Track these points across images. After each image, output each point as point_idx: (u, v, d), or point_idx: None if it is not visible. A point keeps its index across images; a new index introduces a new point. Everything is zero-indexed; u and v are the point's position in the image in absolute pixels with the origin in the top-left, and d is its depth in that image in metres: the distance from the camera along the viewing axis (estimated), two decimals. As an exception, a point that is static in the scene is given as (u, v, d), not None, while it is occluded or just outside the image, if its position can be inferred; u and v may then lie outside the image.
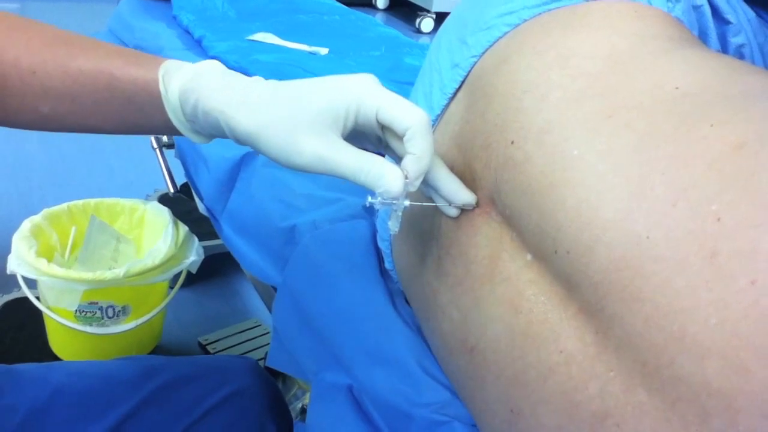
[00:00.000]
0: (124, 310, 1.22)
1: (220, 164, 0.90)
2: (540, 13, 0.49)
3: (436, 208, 0.50)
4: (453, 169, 0.49)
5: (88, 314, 1.19)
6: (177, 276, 1.23)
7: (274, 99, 0.45)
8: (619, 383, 0.35)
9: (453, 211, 0.49)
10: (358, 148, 0.45)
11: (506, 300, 0.44)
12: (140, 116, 0.52)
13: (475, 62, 0.52)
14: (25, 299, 1.20)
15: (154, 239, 1.28)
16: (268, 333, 1.50)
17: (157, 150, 1.22)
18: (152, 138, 1.26)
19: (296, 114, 0.44)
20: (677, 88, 0.40)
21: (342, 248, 0.70)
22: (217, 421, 0.74)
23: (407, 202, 0.45)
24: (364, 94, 0.44)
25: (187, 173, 1.03)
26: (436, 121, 0.55)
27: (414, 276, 0.57)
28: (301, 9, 1.48)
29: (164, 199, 1.75)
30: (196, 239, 1.26)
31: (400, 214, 0.46)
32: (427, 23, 4.22)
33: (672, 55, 0.43)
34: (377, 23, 1.49)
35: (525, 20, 0.49)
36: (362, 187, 0.45)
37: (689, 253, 0.32)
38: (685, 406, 0.32)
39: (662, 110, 0.39)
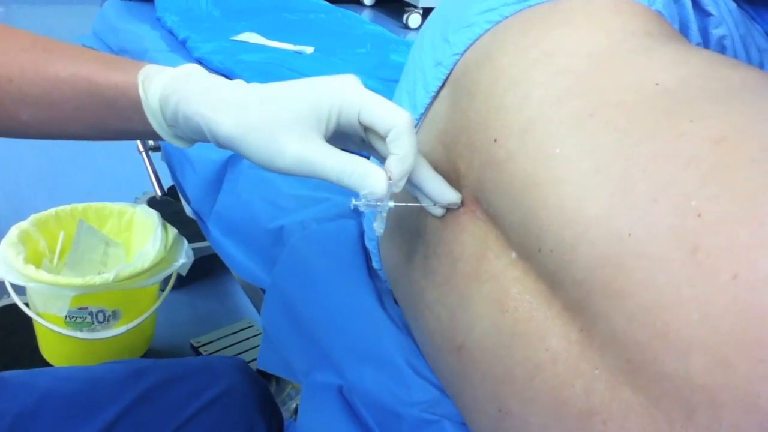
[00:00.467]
0: (115, 315, 1.21)
1: (206, 166, 0.90)
2: (521, 10, 0.49)
3: (422, 208, 0.50)
4: (437, 168, 0.49)
5: (78, 319, 1.19)
6: (167, 279, 1.23)
7: (255, 102, 0.45)
8: (604, 381, 0.35)
9: (438, 211, 0.49)
10: (342, 149, 0.44)
11: (492, 298, 0.44)
12: (121, 122, 0.51)
13: (458, 60, 0.51)
14: (15, 306, 1.19)
15: (143, 242, 1.27)
16: (260, 334, 1.50)
17: (144, 153, 1.21)
18: (138, 141, 1.26)
19: (278, 116, 0.44)
20: (657, 84, 0.40)
21: (330, 248, 0.69)
22: (207, 421, 0.74)
23: (392, 204, 0.44)
24: (346, 94, 0.44)
25: (174, 176, 1.03)
26: (420, 120, 0.55)
27: (401, 275, 0.57)
28: (287, 8, 1.47)
29: (153, 202, 1.74)
30: (185, 241, 1.26)
31: (384, 215, 0.46)
32: (414, 19, 4.22)
33: (652, 51, 0.43)
34: (363, 21, 1.48)
35: (506, 17, 0.49)
36: (347, 189, 0.44)
37: (671, 249, 0.32)
38: (670, 403, 0.32)
39: (643, 107, 0.39)
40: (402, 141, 0.43)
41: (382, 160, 0.46)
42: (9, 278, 1.14)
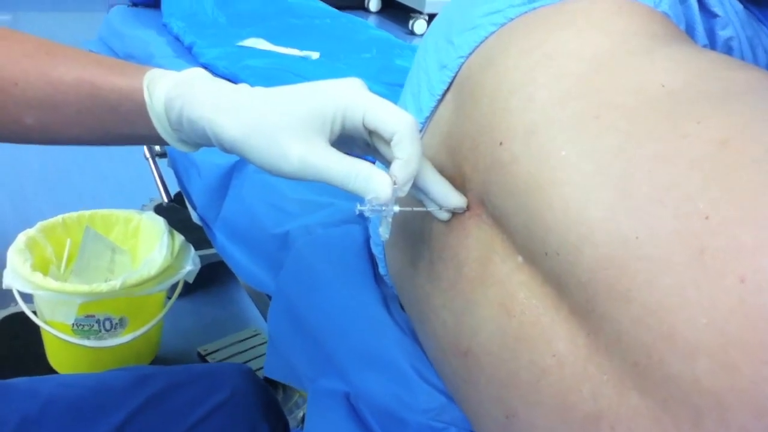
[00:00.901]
0: (122, 322, 1.21)
1: (212, 171, 0.89)
2: (525, 12, 0.49)
3: (427, 212, 0.50)
4: (442, 171, 0.49)
5: (85, 327, 1.19)
6: (174, 286, 1.23)
7: (260, 105, 0.45)
8: (611, 385, 0.35)
9: (444, 215, 0.49)
10: (347, 153, 0.44)
11: (498, 303, 0.44)
12: (125, 126, 0.51)
13: (463, 63, 0.51)
14: (22, 314, 1.20)
15: (149, 249, 1.27)
16: (267, 342, 1.49)
17: (150, 160, 1.21)
18: (145, 148, 1.26)
19: (282, 120, 0.43)
20: (663, 86, 0.39)
21: (336, 254, 0.69)
22: (211, 427, 0.74)
23: (397, 208, 0.44)
24: (350, 98, 0.44)
25: (180, 182, 1.03)
26: (425, 123, 0.55)
27: (407, 280, 0.57)
28: (292, 13, 1.48)
29: (159, 209, 1.74)
30: (192, 248, 1.26)
31: (390, 220, 0.45)
32: (420, 25, 4.23)
33: (656, 53, 0.43)
34: (368, 26, 1.48)
35: (511, 19, 0.49)
36: (352, 194, 0.44)
37: (676, 252, 0.32)
38: (677, 406, 0.31)
39: (646, 109, 0.38)
40: (406, 144, 0.42)
41: (387, 164, 0.46)
42: (16, 286, 1.14)
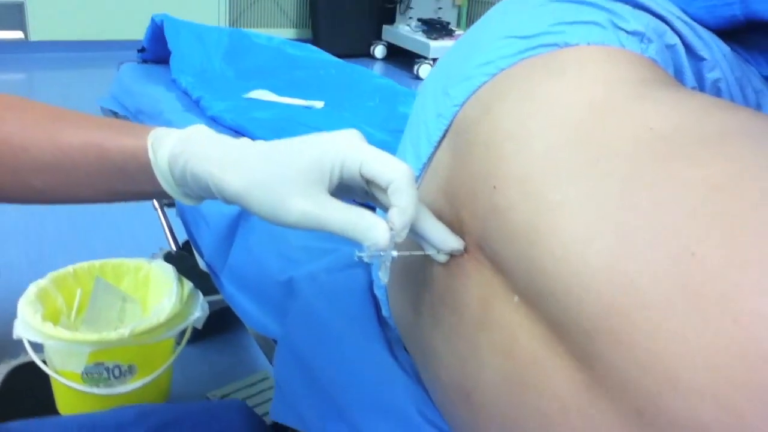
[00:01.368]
0: (131, 370, 1.22)
1: (219, 221, 0.91)
2: (517, 62, 0.50)
3: (427, 256, 0.51)
4: (441, 217, 0.50)
5: (95, 375, 1.19)
6: (183, 332, 1.23)
7: (260, 159, 0.46)
8: (613, 426, 0.35)
9: (442, 258, 0.50)
10: (348, 200, 0.46)
11: (499, 345, 0.44)
12: (131, 184, 0.53)
13: (458, 111, 0.53)
14: (32, 364, 1.20)
15: (159, 297, 1.28)
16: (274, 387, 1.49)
17: (159, 210, 1.23)
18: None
19: (282, 172, 0.45)
20: (652, 128, 0.40)
21: (340, 298, 0.70)
22: None
23: (395, 253, 0.45)
24: (347, 150, 0.45)
25: (188, 231, 1.04)
26: (423, 169, 0.56)
27: (410, 324, 0.58)
28: (298, 66, 1.51)
29: (169, 257, 1.76)
30: (200, 295, 1.27)
31: (388, 264, 0.46)
32: (425, 69, 4.30)
33: (646, 98, 0.44)
34: (372, 74, 1.52)
35: (503, 69, 0.51)
36: (352, 241, 0.45)
37: (675, 297, 0.32)
38: None
39: (641, 154, 0.39)
40: (402, 193, 0.44)
41: (386, 210, 0.47)
42: (27, 336, 1.15)
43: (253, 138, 0.78)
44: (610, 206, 0.38)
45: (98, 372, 1.19)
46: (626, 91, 0.45)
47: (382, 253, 0.45)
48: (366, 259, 0.45)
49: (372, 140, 0.47)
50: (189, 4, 4.32)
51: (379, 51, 4.78)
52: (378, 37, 4.79)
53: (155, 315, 1.16)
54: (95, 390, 1.18)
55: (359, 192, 0.49)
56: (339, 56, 1.64)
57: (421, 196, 0.51)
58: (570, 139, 0.43)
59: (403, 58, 4.63)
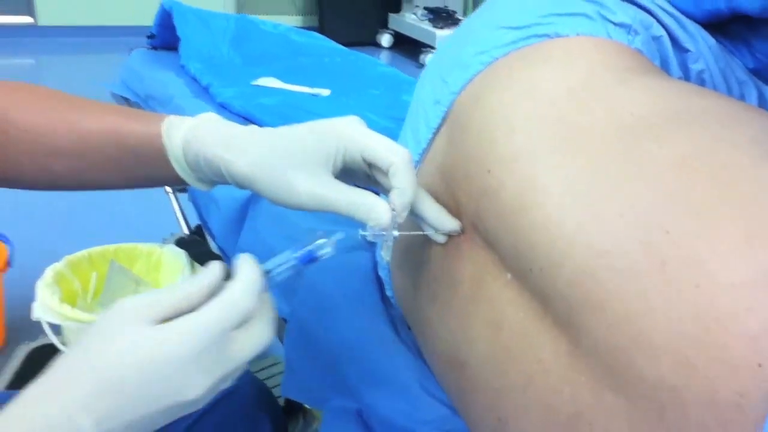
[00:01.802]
0: (145, 351, 1.25)
1: (229, 205, 0.94)
2: (510, 51, 0.54)
3: (426, 236, 0.54)
4: (439, 198, 0.53)
5: (111, 356, 1.23)
6: (194, 315, 1.26)
7: (269, 144, 0.50)
8: (589, 387, 0.39)
9: (440, 238, 0.53)
10: (350, 184, 0.49)
11: (490, 318, 0.48)
12: (146, 169, 0.56)
13: (454, 98, 0.56)
14: (51, 345, 1.24)
15: (171, 281, 1.32)
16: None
17: (171, 194, 1.27)
18: (165, 184, 1.32)
19: (290, 156, 0.48)
20: (632, 113, 0.44)
21: (346, 280, 0.73)
22: (216, 417, 0.78)
23: (396, 233, 0.49)
24: (349, 135, 0.49)
25: (200, 215, 1.08)
26: (422, 154, 0.60)
27: (410, 301, 0.61)
28: (303, 53, 1.54)
29: (180, 242, 1.79)
30: (211, 278, 1.30)
31: (390, 244, 0.50)
32: (431, 59, 4.30)
33: (628, 83, 0.47)
34: (377, 63, 1.54)
35: (496, 58, 0.54)
36: (356, 221, 0.49)
37: (641, 263, 0.36)
38: (645, 403, 0.35)
39: (616, 134, 0.43)
40: (401, 176, 0.47)
41: (387, 193, 0.50)
42: (46, 317, 1.18)
43: (260, 124, 0.81)
44: (585, 182, 0.41)
45: (113, 352, 1.22)
46: (609, 77, 0.48)
47: (384, 233, 0.48)
48: (369, 238, 0.48)
49: (376, 127, 0.50)
50: (196, -10, 4.34)
51: (385, 39, 4.79)
52: (384, 25, 4.79)
53: (168, 297, 1.19)
54: (111, 369, 1.22)
55: (361, 176, 0.52)
56: (345, 44, 1.66)
57: (420, 180, 0.55)
58: (555, 123, 0.46)
59: (409, 47, 4.63)
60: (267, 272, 0.47)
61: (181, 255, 1.32)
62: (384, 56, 4.66)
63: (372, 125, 0.51)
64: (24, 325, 1.57)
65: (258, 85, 1.28)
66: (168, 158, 0.54)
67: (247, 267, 0.44)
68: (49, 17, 4.00)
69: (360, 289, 0.72)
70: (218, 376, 0.41)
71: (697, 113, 0.43)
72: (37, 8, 3.96)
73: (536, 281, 0.43)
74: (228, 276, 0.44)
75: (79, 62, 3.88)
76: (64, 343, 1.23)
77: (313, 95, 1.26)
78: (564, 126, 0.45)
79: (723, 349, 0.32)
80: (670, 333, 0.34)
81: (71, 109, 0.57)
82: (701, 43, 0.58)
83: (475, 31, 0.59)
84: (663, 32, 0.56)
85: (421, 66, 4.30)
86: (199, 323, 0.40)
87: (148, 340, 0.40)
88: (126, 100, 1.42)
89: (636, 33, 0.53)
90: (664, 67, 0.56)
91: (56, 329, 1.20)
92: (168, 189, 1.27)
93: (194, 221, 1.25)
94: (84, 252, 1.37)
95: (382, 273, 0.69)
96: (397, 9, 4.77)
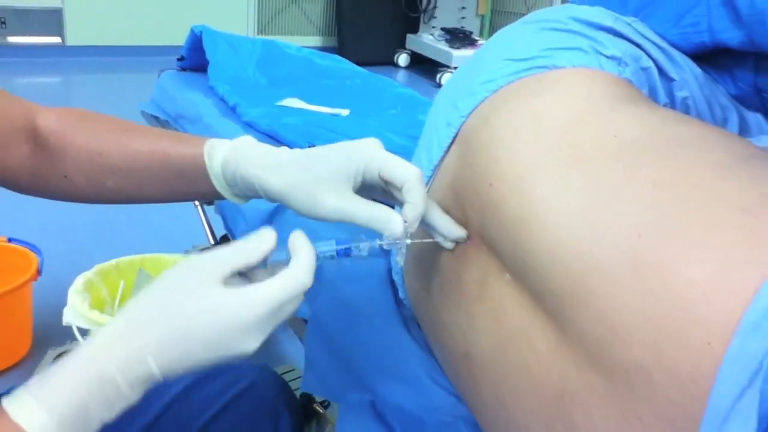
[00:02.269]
0: (170, 355, 1.31)
1: (255, 216, 1.01)
2: (514, 80, 0.60)
3: (435, 243, 0.60)
4: (448, 210, 0.60)
5: (138, 359, 1.29)
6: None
7: (298, 163, 0.56)
8: (574, 369, 0.45)
9: (449, 245, 0.60)
10: (369, 198, 0.56)
11: (492, 314, 0.54)
12: (189, 185, 0.64)
13: (464, 121, 0.63)
14: (81, 348, 1.30)
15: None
16: (300, 377, 1.57)
17: (199, 207, 1.34)
18: (194, 196, 1.39)
19: (316, 175, 0.55)
20: (617, 137, 0.50)
21: (363, 283, 0.80)
22: (236, 412, 0.82)
23: (409, 241, 0.55)
24: (369, 156, 0.55)
25: (227, 226, 1.15)
26: (434, 171, 0.66)
27: (422, 302, 0.68)
28: (325, 75, 1.61)
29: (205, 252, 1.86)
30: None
31: (404, 251, 0.57)
32: (447, 78, 4.37)
33: (618, 112, 0.54)
34: (395, 84, 1.61)
35: (502, 86, 0.61)
36: (373, 231, 0.55)
37: (620, 264, 0.42)
38: (619, 381, 0.41)
39: (606, 158, 0.49)
40: (414, 192, 0.54)
41: (401, 206, 0.57)
42: (76, 323, 1.25)
43: (284, 142, 0.89)
44: (579, 198, 0.48)
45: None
46: (601, 106, 0.55)
47: (398, 241, 0.55)
48: (385, 246, 0.55)
49: (393, 146, 0.57)
50: (219, 11, 4.46)
51: (402, 59, 4.87)
52: (402, 45, 4.88)
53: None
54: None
55: (379, 191, 0.59)
56: (363, 64, 1.73)
57: (432, 193, 0.62)
58: (551, 145, 0.53)
59: (426, 67, 4.71)
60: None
61: (206, 264, 1.39)
62: (401, 76, 4.74)
63: (390, 144, 0.58)
64: (52, 332, 1.66)
65: (282, 106, 1.35)
66: (209, 176, 0.61)
67: (306, 248, 0.51)
68: (77, 37, 4.14)
69: (375, 292, 0.78)
70: (269, 333, 0.48)
71: (675, 140, 0.49)
72: (66, 29, 4.08)
73: (532, 281, 0.50)
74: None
75: (105, 81, 4.00)
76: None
77: (334, 115, 1.33)
78: (561, 148, 0.52)
79: (683, 333, 0.38)
80: (642, 323, 0.40)
81: (123, 132, 0.65)
82: (687, 72, 0.64)
83: (482, 62, 0.66)
84: (651, 63, 0.62)
85: (438, 85, 4.37)
86: (269, 294, 0.46)
87: (223, 304, 0.46)
88: (156, 119, 1.49)
89: (626, 65, 0.60)
90: (652, 94, 0.63)
91: (84, 334, 1.27)
92: (196, 202, 1.35)
93: (219, 232, 1.31)
94: (113, 261, 1.43)
95: (395, 277, 0.76)
96: (414, 29, 4.86)
